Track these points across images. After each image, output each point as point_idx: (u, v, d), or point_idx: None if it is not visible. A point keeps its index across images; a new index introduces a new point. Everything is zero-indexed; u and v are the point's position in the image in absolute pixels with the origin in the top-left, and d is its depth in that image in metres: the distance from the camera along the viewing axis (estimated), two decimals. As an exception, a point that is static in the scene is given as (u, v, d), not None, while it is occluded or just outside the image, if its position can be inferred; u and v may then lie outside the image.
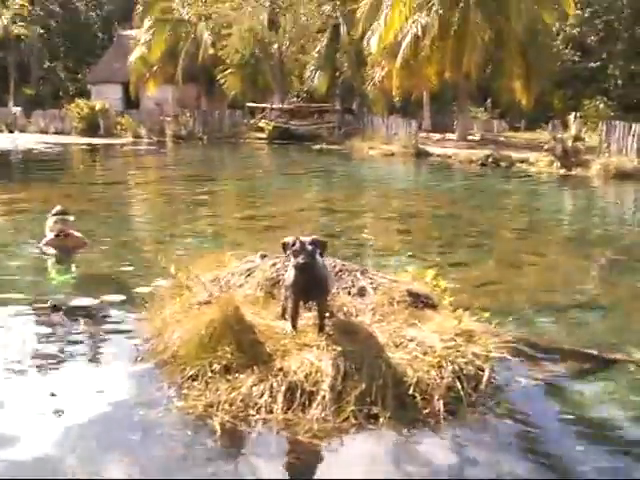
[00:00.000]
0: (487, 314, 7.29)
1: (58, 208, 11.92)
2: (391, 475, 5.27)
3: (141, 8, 49.12)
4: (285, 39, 44.69)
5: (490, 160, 28.52)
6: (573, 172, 25.50)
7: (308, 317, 7.00)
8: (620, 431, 6.03)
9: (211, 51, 45.01)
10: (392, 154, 32.00)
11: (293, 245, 6.44)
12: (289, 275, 6.72)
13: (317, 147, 35.41)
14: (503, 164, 28.15)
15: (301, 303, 6.90)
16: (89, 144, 35.43)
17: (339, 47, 43.17)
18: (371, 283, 7.70)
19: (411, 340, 6.60)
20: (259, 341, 6.52)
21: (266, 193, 19.82)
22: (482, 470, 5.35)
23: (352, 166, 28.90)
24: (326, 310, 6.83)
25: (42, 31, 59.85)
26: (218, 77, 44.77)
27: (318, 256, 6.56)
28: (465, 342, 6.67)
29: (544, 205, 20.08)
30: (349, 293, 7.53)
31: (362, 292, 7.53)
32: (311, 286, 6.56)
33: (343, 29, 42.25)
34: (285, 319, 6.91)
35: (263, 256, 8.34)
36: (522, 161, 28.15)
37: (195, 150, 34.35)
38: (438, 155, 31.39)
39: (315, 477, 5.39)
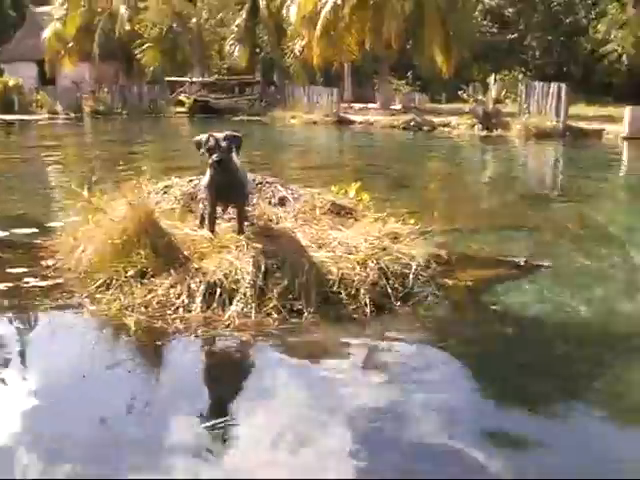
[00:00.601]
0: (412, 220, 7.09)
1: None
2: (309, 364, 5.04)
3: (54, -18, 47.80)
4: (203, 12, 44.02)
5: (412, 124, 28.48)
6: (494, 133, 25.65)
7: (227, 227, 6.71)
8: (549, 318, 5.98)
9: (128, 26, 44.02)
10: (314, 122, 31.73)
11: (207, 142, 6.09)
12: (205, 177, 6.41)
13: (238, 119, 34.94)
14: (425, 128, 28.17)
15: (219, 210, 6.62)
16: (2, 120, 34.20)
17: (259, 19, 42.70)
18: (292, 194, 7.46)
19: (335, 242, 6.37)
20: (175, 245, 6.23)
21: (186, 153, 19.39)
22: (410, 360, 5.15)
23: (273, 133, 28.59)
24: (245, 213, 6.55)
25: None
26: (136, 52, 43.86)
27: (234, 154, 6.26)
28: (391, 242, 6.48)
29: (464, 158, 20.33)
30: (270, 203, 7.27)
31: (283, 202, 7.28)
32: (228, 185, 6.24)
33: (262, 1, 41.76)
34: (203, 227, 6.60)
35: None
36: (444, 125, 28.20)
37: (113, 124, 33.55)
38: (360, 122, 31.22)
39: (233, 366, 5.12)
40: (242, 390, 4.72)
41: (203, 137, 6.16)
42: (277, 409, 4.37)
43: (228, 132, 6.25)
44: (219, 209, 6.66)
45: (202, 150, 6.15)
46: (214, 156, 6.03)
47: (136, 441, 3.96)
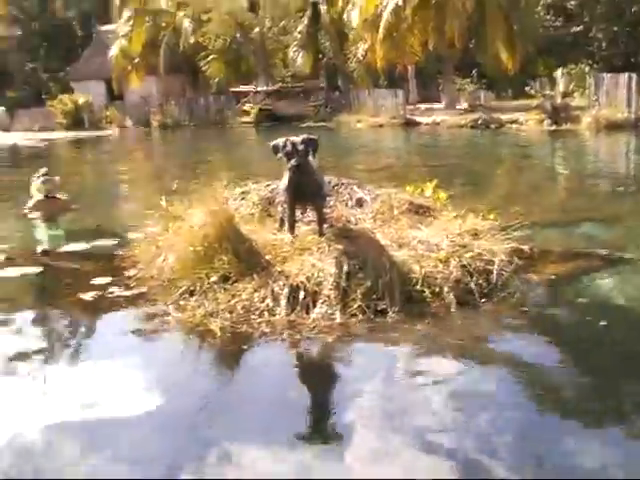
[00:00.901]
0: (492, 216, 7.01)
1: (44, 170, 11.55)
2: (402, 362, 5.00)
3: (118, 1, 48.62)
4: (266, 21, 44.29)
5: (480, 122, 28.19)
6: (563, 127, 25.24)
7: (307, 230, 6.72)
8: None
9: (192, 39, 44.51)
10: (380, 125, 31.61)
11: (284, 147, 6.16)
12: (283, 180, 6.44)
13: (304, 125, 35.02)
14: (493, 126, 27.84)
15: (298, 213, 6.64)
16: (75, 137, 34.95)
17: (320, 25, 42.77)
18: (369, 194, 7.44)
19: (415, 241, 6.33)
20: (257, 250, 6.26)
21: (256, 161, 19.56)
22: (499, 356, 5.08)
23: (340, 138, 28.54)
24: (324, 215, 6.57)
25: (20, 33, 59.33)
26: (201, 65, 44.34)
27: (311, 157, 6.28)
28: (471, 238, 6.41)
29: (535, 154, 20.03)
30: (347, 204, 7.26)
31: (360, 203, 7.27)
32: (306, 187, 6.28)
33: (323, 6, 41.83)
34: (283, 231, 6.63)
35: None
36: (512, 122, 27.84)
37: (182, 136, 34.00)
38: (426, 123, 31.02)
39: (320, 369, 5.11)
40: (332, 393, 4.71)
41: (280, 141, 6.22)
42: (371, 415, 4.35)
43: (304, 136, 6.29)
44: (298, 212, 6.67)
45: (279, 154, 6.20)
46: (292, 161, 6.09)
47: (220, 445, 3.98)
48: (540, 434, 3.92)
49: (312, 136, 6.35)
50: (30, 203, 11.25)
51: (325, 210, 6.73)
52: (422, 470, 3.63)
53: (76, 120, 41.75)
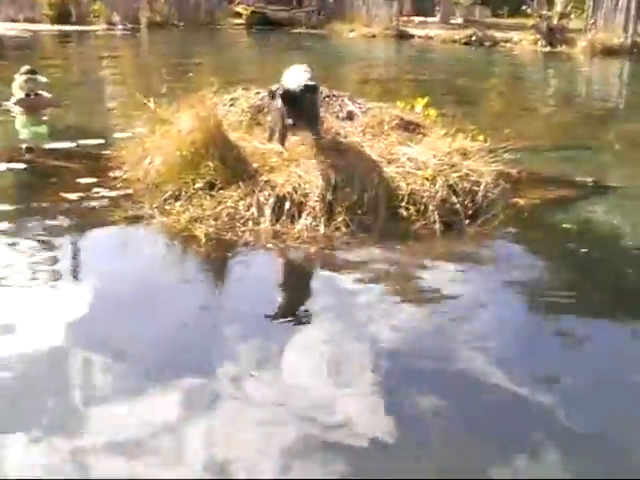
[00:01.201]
0: (482, 137, 6.98)
1: (27, 67, 11.27)
2: (381, 279, 5.04)
3: None
4: None
5: (473, 39, 27.77)
6: (558, 49, 24.95)
7: (296, 140, 6.65)
8: (622, 238, 5.91)
9: None
10: (373, 36, 31.09)
11: (284, 95, 5.95)
12: (278, 101, 6.18)
13: (296, 31, 34.48)
14: (487, 44, 27.42)
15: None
16: (60, 31, 34.15)
17: None
18: (359, 108, 7.37)
19: (404, 157, 6.31)
20: (244, 158, 6.24)
21: (247, 65, 19.32)
22: (476, 276, 5.14)
23: (332, 46, 28.14)
24: (319, 135, 6.40)
25: None
26: (193, -39, 43.22)
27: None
28: (460, 159, 6.40)
29: (528, 75, 19.87)
30: (337, 117, 7.19)
31: (350, 116, 7.20)
32: (302, 118, 6.05)
33: None
34: (273, 141, 6.56)
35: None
36: (506, 40, 27.45)
37: (171, 36, 33.30)
38: (420, 37, 30.55)
39: (300, 278, 5.16)
40: (306, 300, 4.79)
41: (279, 89, 6.04)
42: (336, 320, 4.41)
43: (305, 81, 6.03)
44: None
45: (275, 102, 6.13)
46: (289, 120, 5.91)
47: (197, 346, 4.06)
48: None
49: (312, 83, 6.06)
50: (12, 100, 11.02)
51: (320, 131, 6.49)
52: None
53: (62, 13, 40.57)
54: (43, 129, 10.13)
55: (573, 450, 3.19)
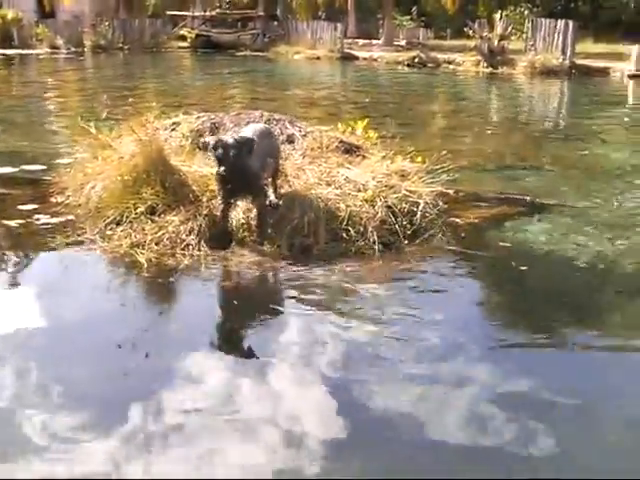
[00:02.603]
0: (419, 158, 7.10)
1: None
2: (321, 299, 5.10)
3: None
4: (205, -56, 43.26)
5: (417, 61, 28.16)
6: (499, 70, 25.41)
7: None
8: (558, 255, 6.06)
9: (128, -42, 43.27)
10: (318, 58, 31.39)
11: (215, 149, 5.53)
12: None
13: (241, 54, 34.62)
14: (430, 65, 27.86)
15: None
16: (2, 54, 33.84)
17: (262, -48, 41.97)
18: (300, 131, 7.47)
19: (343, 179, 6.41)
20: (185, 182, 6.27)
21: (191, 88, 19.31)
22: (413, 297, 5.24)
23: (277, 68, 28.30)
24: (264, 213, 5.84)
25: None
26: (137, -15, 43.22)
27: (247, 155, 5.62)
28: (398, 180, 6.52)
29: (469, 96, 20.20)
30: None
31: (291, 139, 7.30)
32: (240, 182, 5.68)
33: None
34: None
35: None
36: (449, 62, 27.90)
37: (115, 59, 33.23)
38: (364, 58, 30.92)
39: (243, 300, 5.19)
40: (249, 324, 4.85)
41: (211, 141, 5.72)
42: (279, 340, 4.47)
43: (238, 136, 5.72)
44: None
45: (210, 155, 5.81)
46: (221, 169, 5.52)
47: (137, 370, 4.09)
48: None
49: (247, 136, 5.74)
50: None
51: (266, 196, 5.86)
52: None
53: (4, 36, 40.20)
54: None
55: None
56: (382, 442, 3.43)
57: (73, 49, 38.45)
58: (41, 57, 33.86)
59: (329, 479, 3.11)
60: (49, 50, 38.55)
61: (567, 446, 3.40)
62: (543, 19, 26.95)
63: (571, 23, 25.04)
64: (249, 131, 6.01)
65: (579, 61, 24.66)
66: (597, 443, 3.50)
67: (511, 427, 3.54)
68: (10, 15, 40.66)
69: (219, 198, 5.86)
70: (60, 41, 40.15)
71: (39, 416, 3.54)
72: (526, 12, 40.05)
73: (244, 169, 5.58)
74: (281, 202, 5.78)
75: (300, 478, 3.13)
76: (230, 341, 4.55)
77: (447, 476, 3.22)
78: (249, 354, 4.34)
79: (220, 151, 5.47)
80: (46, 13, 46.57)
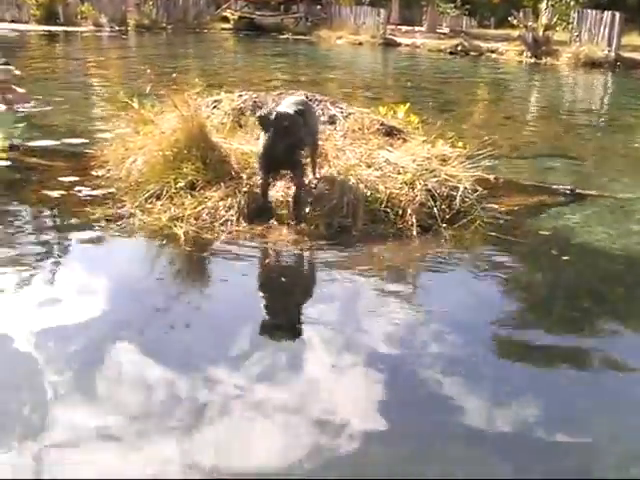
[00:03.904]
0: (460, 144, 7.06)
1: (1, 60, 11.21)
2: (360, 279, 5.10)
3: None
4: None
5: (459, 49, 28.09)
6: (543, 61, 25.20)
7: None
8: (601, 246, 6.00)
9: (174, -62, 43.33)
10: (360, 43, 31.36)
11: (276, 119, 5.54)
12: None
13: (284, 37, 34.64)
14: (473, 53, 27.75)
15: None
16: (48, 32, 34.12)
17: None
18: (341, 112, 7.46)
19: (383, 161, 6.39)
20: (226, 159, 6.29)
21: (233, 69, 19.34)
22: (450, 281, 5.22)
23: (320, 52, 28.27)
24: (301, 184, 5.91)
25: None
26: (182, -34, 43.28)
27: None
28: (439, 164, 6.48)
29: (511, 85, 20.02)
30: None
31: (332, 120, 7.29)
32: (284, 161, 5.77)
33: None
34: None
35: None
36: (492, 51, 27.75)
37: (158, 38, 33.33)
38: (407, 45, 30.83)
39: (282, 275, 5.21)
40: (287, 301, 4.87)
41: (270, 114, 5.69)
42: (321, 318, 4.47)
43: (295, 105, 5.75)
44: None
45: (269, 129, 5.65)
46: (279, 147, 5.55)
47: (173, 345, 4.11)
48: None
49: (301, 105, 5.78)
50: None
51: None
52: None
53: (50, 13, 40.52)
54: (22, 127, 10.05)
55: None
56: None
57: (117, 28, 38.68)
58: (85, 35, 33.98)
59: (326, 479, 3.08)
60: (93, 28, 38.81)
61: None
62: (589, 10, 26.59)
63: (618, 15, 24.69)
64: (287, 104, 5.96)
65: (625, 54, 24.30)
66: None
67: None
68: (56, -8, 40.92)
69: (260, 172, 5.88)
70: (104, 19, 40.41)
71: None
72: (572, 3, 39.50)
73: (296, 143, 5.63)
74: (318, 182, 5.80)
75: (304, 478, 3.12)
76: (265, 318, 4.54)
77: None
78: (286, 331, 4.34)
79: (286, 123, 5.51)
80: (92, -9, 46.82)
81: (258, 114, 5.86)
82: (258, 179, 5.96)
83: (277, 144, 5.54)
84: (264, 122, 5.67)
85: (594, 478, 3.14)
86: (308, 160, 6.16)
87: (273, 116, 5.58)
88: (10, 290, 4.63)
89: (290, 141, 5.54)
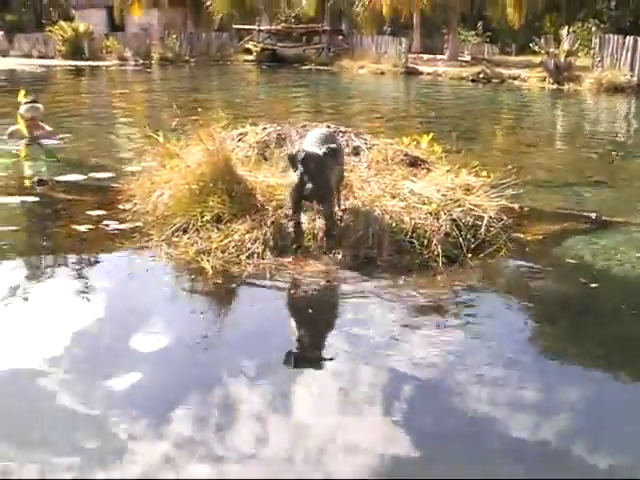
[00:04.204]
0: (484, 173, 7.08)
1: (29, 97, 11.39)
2: (387, 310, 5.11)
3: None
4: (272, -42, 43.73)
5: (481, 76, 28.12)
6: (565, 87, 25.19)
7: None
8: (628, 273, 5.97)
9: (197, -27, 43.95)
10: (382, 73, 31.53)
11: (303, 160, 5.59)
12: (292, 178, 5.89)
13: (306, 68, 34.91)
14: (495, 80, 27.77)
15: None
16: (74, 66, 34.62)
17: (327, -33, 42.26)
18: (365, 143, 7.51)
19: (407, 192, 6.42)
20: (251, 192, 6.34)
21: (257, 100, 19.53)
22: (480, 312, 5.21)
23: (342, 83, 28.50)
24: (331, 215, 5.96)
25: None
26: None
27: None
28: (463, 193, 6.51)
29: (534, 111, 20.01)
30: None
31: (356, 151, 7.35)
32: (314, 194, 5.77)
33: (331, -52, 41.29)
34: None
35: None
36: (514, 78, 27.78)
37: (182, 71, 33.69)
38: (428, 73, 30.94)
39: (310, 307, 5.23)
40: (313, 334, 4.88)
41: (299, 153, 5.69)
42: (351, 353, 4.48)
43: (322, 142, 5.80)
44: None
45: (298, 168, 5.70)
46: (308, 186, 5.62)
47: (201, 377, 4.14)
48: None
49: (332, 145, 5.80)
50: (9, 130, 11.13)
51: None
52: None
53: (75, 48, 41.13)
54: (50, 161, 10.18)
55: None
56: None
57: (141, 61, 39.19)
58: (110, 69, 34.46)
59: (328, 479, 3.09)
60: (118, 62, 39.36)
61: None
62: (611, 35, 26.60)
63: (639, 39, 24.67)
64: (314, 139, 6.02)
65: (648, 78, 24.27)
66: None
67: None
68: (82, 28, 41.58)
69: (289, 203, 5.95)
70: (128, 53, 40.97)
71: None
72: (593, 28, 39.60)
73: (326, 179, 5.68)
74: (343, 213, 5.86)
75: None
76: (295, 349, 4.56)
77: None
78: (313, 362, 4.35)
79: (313, 164, 5.56)
80: (116, 26, 47.59)
81: (287, 152, 5.85)
82: (287, 208, 6.01)
83: (306, 183, 5.60)
84: (293, 161, 5.71)
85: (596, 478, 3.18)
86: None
87: (302, 156, 5.61)
88: (34, 327, 4.68)
89: (319, 180, 5.58)
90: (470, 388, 4.01)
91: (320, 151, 5.62)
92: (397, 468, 3.29)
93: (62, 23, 42.75)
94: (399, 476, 3.25)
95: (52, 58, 41.12)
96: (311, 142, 5.92)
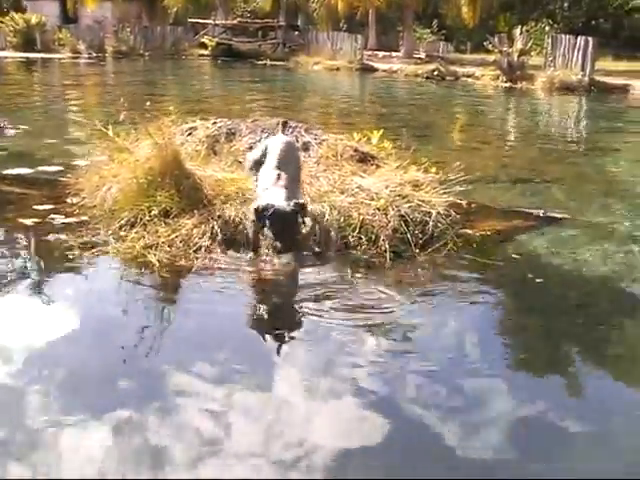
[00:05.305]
0: (434, 169, 7.12)
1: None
2: (332, 306, 5.11)
3: None
4: (228, -47, 43.57)
5: (436, 74, 28.31)
6: (518, 85, 25.41)
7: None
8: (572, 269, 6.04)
9: (152, -34, 43.63)
10: (337, 69, 31.61)
11: (271, 215, 5.29)
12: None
13: (261, 63, 34.84)
14: (449, 78, 27.98)
15: None
16: (26, 58, 34.14)
17: (284, -38, 42.21)
18: (315, 139, 7.51)
19: (356, 187, 6.44)
20: (200, 186, 6.31)
21: (210, 95, 19.45)
22: (425, 306, 5.23)
23: (296, 78, 28.49)
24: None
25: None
26: (159, -7, 43.56)
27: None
28: (412, 190, 6.54)
29: (487, 109, 20.13)
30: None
31: (306, 146, 7.34)
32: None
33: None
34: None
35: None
36: (468, 75, 27.98)
37: (136, 65, 33.37)
38: (384, 70, 31.06)
39: (250, 302, 5.22)
40: (255, 326, 4.88)
41: (266, 209, 5.31)
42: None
43: (293, 204, 5.38)
44: None
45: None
46: (277, 244, 5.43)
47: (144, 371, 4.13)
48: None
49: (300, 201, 5.50)
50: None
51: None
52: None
53: (27, 40, 40.48)
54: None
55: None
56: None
57: (94, 54, 38.73)
58: (62, 61, 34.05)
59: (326, 479, 3.11)
60: (71, 55, 38.84)
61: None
62: (563, 35, 26.92)
63: (591, 40, 24.98)
64: (276, 143, 6.02)
65: (598, 78, 24.57)
66: None
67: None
68: (34, 19, 40.95)
69: (252, 225, 5.72)
70: (82, 46, 40.46)
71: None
72: (547, 28, 40.09)
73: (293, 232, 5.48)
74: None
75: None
76: (240, 343, 4.55)
77: None
78: (262, 355, 4.35)
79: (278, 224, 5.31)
80: (69, 18, 47.01)
81: (254, 206, 5.41)
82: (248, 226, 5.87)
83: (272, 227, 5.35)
84: (260, 216, 5.38)
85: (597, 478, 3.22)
86: None
87: (269, 212, 5.29)
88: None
89: (286, 233, 5.36)
90: (409, 380, 4.04)
91: (288, 208, 5.31)
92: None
93: (13, 14, 42.07)
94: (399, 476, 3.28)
95: (2, 49, 40.43)
96: (277, 193, 5.52)
